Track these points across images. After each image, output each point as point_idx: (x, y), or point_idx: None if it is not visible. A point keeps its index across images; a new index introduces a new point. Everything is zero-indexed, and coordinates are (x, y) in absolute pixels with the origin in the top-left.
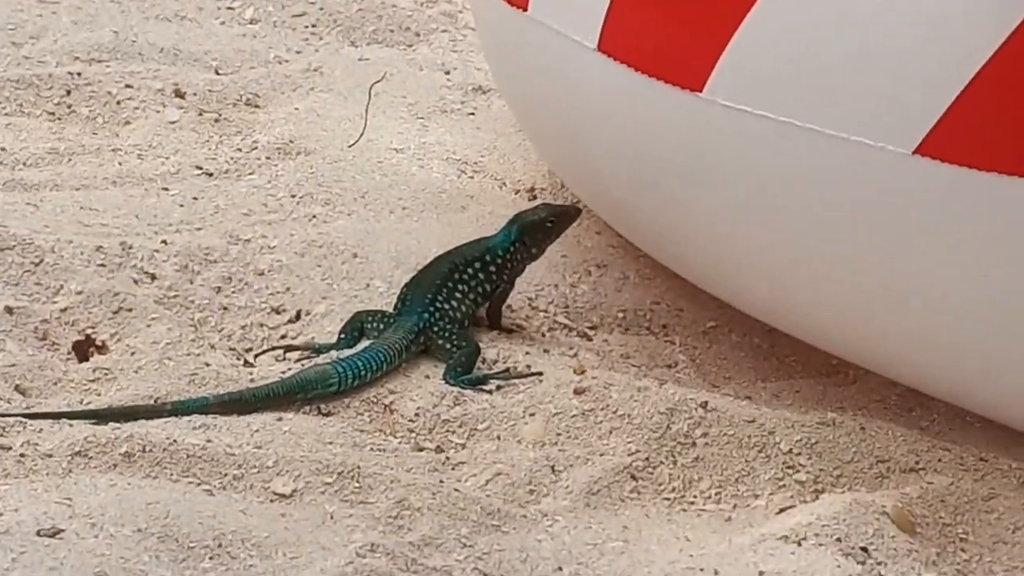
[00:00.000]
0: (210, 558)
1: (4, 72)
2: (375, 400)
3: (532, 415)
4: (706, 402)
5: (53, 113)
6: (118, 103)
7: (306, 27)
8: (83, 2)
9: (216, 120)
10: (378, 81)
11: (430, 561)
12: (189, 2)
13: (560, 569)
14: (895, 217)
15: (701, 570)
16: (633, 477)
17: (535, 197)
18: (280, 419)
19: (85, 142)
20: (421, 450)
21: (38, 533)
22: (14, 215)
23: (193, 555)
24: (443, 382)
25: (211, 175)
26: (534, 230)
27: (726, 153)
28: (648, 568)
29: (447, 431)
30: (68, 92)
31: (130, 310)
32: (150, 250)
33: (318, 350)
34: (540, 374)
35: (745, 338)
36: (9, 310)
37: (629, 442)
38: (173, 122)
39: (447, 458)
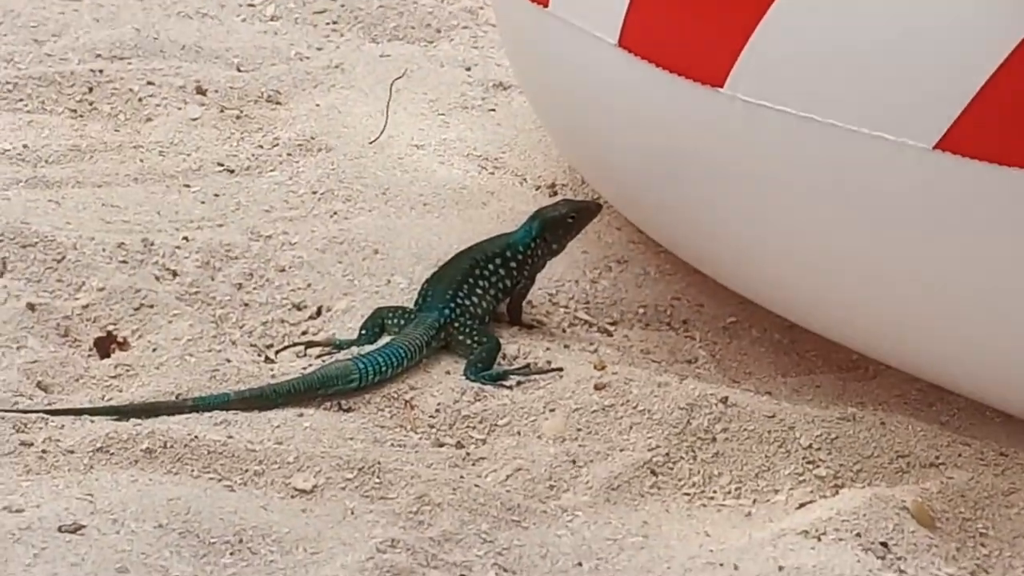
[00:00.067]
0: (231, 554)
1: (26, 70)
2: (395, 396)
3: (552, 410)
4: (726, 397)
5: (75, 110)
6: (140, 100)
7: (327, 24)
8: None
9: (237, 117)
10: (399, 77)
11: (450, 556)
12: None
13: (580, 564)
14: (916, 212)
15: (721, 565)
16: (653, 472)
17: (555, 193)
18: (301, 415)
19: (107, 139)
20: (441, 446)
21: (59, 529)
22: (36, 212)
23: (214, 551)
24: (463, 378)
25: (232, 172)
26: (555, 226)
27: (746, 148)
28: (668, 563)
29: (467, 427)
30: (90, 89)
31: (151, 306)
32: (171, 247)
33: (339, 346)
34: (560, 370)
35: (765, 334)
36: (31, 307)
37: (649, 437)
38: (195, 119)
39: (467, 454)
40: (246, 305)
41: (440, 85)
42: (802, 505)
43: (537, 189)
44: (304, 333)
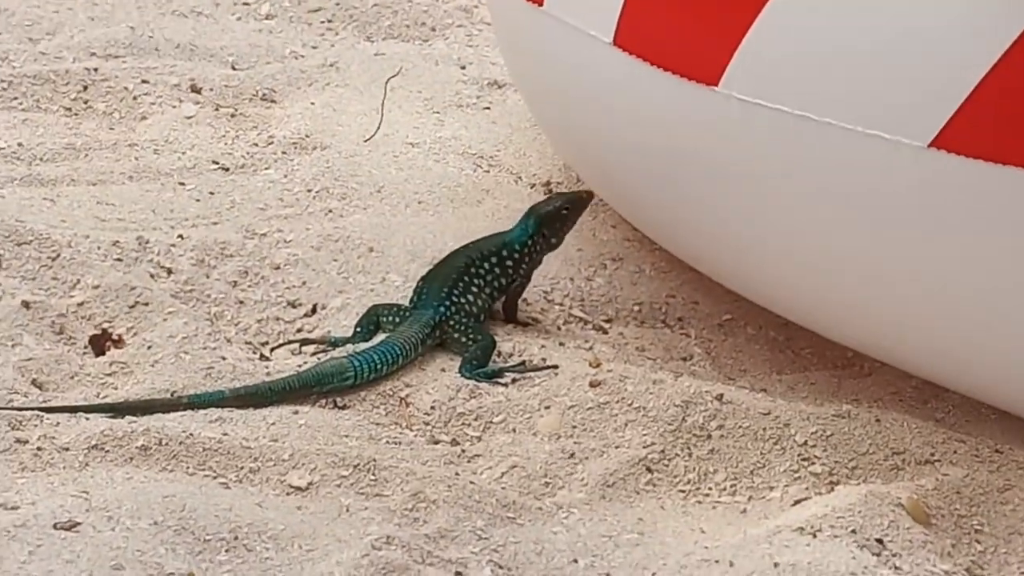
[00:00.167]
0: (226, 551)
1: (21, 68)
2: (391, 393)
3: (547, 408)
4: (721, 395)
5: (70, 109)
6: (134, 98)
7: (322, 22)
8: None
9: (232, 115)
10: (394, 76)
11: (445, 553)
12: None
13: (575, 561)
14: (911, 210)
15: (716, 562)
16: (648, 469)
17: (551, 191)
18: (296, 412)
19: (102, 137)
20: (437, 443)
21: (55, 526)
22: (31, 210)
23: (209, 548)
24: (459, 375)
25: (227, 170)
26: (551, 220)
27: (742, 147)
28: (663, 560)
29: (463, 424)
30: (85, 88)
31: (146, 304)
32: (166, 244)
33: (334, 344)
34: (555, 367)
35: (760, 331)
36: (26, 304)
37: (644, 434)
38: (189, 117)
39: (463, 451)
40: (241, 303)
41: (435, 83)
42: (797, 502)
43: (532, 187)
44: (299, 331)
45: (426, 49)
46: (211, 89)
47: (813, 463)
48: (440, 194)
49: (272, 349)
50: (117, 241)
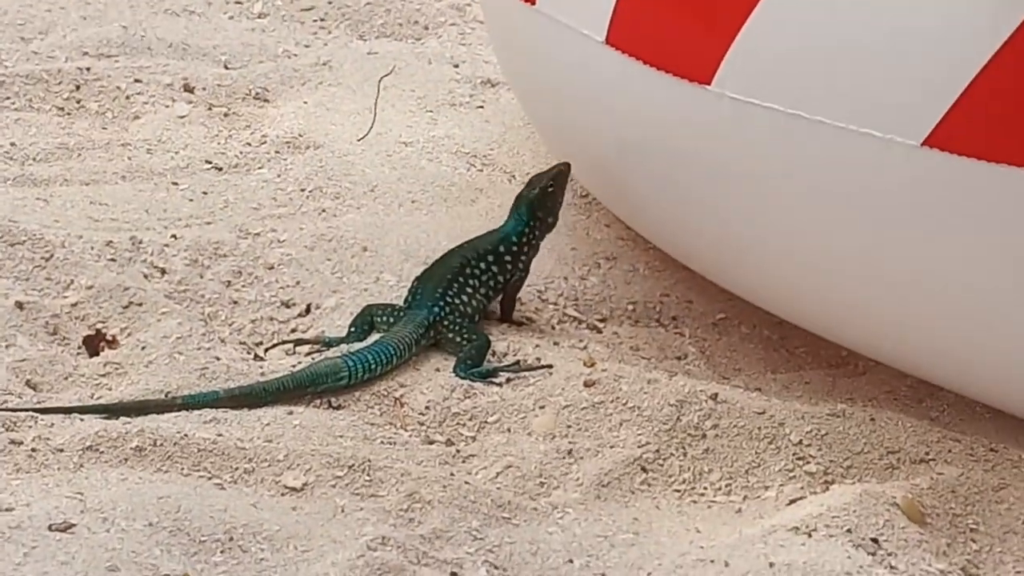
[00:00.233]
0: (221, 552)
1: (13, 68)
2: (385, 393)
3: (542, 408)
4: (716, 394)
5: (62, 108)
6: (127, 98)
7: (315, 21)
8: None
9: (225, 114)
10: (387, 75)
11: (441, 554)
12: None
13: (571, 561)
14: (904, 209)
15: (712, 561)
16: (643, 469)
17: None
18: (291, 413)
19: (94, 137)
20: (431, 443)
21: (50, 527)
22: (24, 210)
23: (204, 549)
24: (453, 375)
25: (220, 169)
26: (543, 201)
27: (734, 145)
28: (658, 560)
29: (457, 424)
30: (77, 87)
31: (140, 304)
32: (160, 244)
33: (328, 344)
34: (550, 367)
35: (755, 330)
36: (20, 305)
37: (639, 434)
38: (182, 117)
39: (457, 451)
40: (235, 303)
41: (428, 82)
42: (792, 501)
43: None
44: (293, 331)
45: (419, 48)
46: (204, 88)
47: (808, 462)
48: (434, 193)
49: (266, 349)
50: (111, 241)
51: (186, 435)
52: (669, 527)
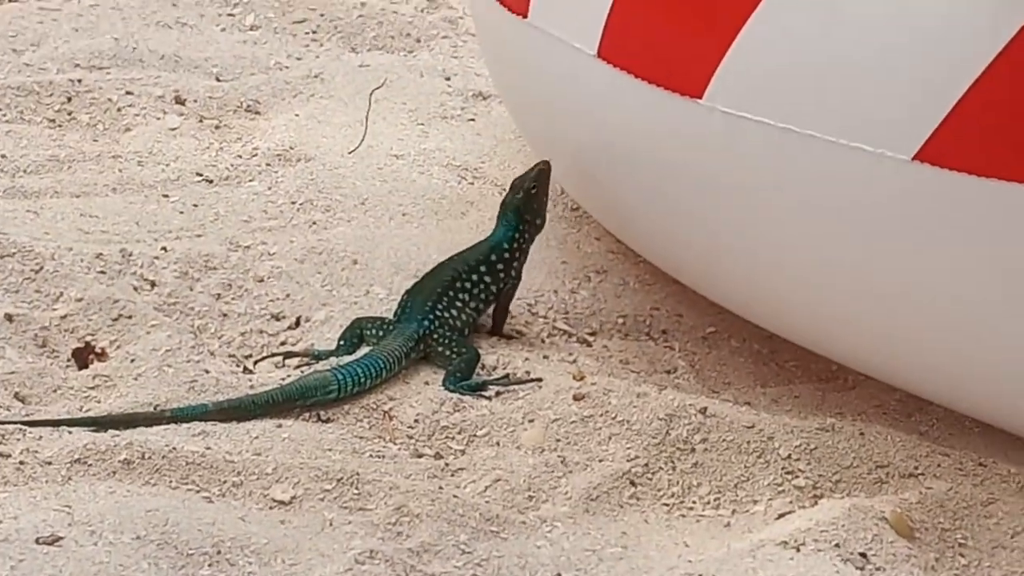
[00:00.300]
0: (209, 565)
1: (5, 79)
2: (374, 407)
3: (531, 421)
4: (705, 408)
5: (53, 120)
6: (118, 110)
7: (307, 33)
8: (84, 9)
9: (216, 127)
10: (378, 87)
11: (429, 568)
12: (190, 9)
13: (559, 575)
14: (895, 224)
15: None
16: (632, 483)
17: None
18: (280, 426)
19: (85, 149)
20: (420, 456)
21: (37, 540)
22: (14, 222)
23: (192, 562)
24: (443, 388)
25: (211, 182)
26: (528, 203)
27: (725, 159)
28: (647, 574)
29: (446, 437)
30: (69, 99)
31: (130, 317)
32: (150, 257)
33: (318, 357)
34: (539, 380)
35: (744, 344)
36: (9, 317)
37: (628, 448)
38: (173, 129)
39: (446, 464)
40: (224, 316)
41: (419, 95)
42: (781, 515)
43: None
44: (283, 344)
45: (411, 60)
46: (195, 100)
47: (797, 476)
48: (424, 206)
49: (255, 362)
50: (100, 254)
51: (174, 448)
52: (658, 541)
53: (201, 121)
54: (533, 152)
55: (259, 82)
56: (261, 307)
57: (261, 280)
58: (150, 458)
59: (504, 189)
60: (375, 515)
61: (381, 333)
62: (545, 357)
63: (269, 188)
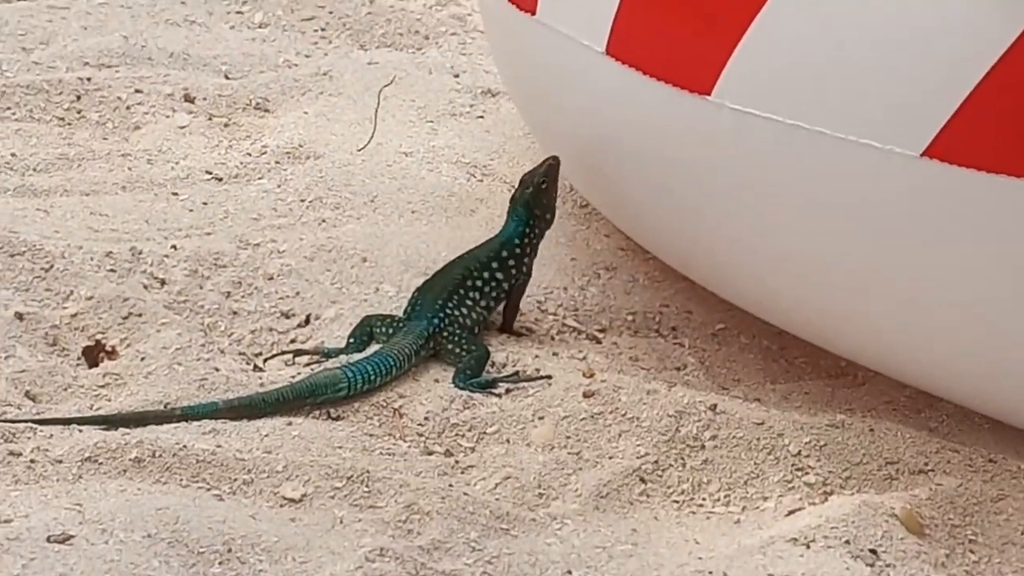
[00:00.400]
0: (220, 563)
1: (14, 78)
2: (384, 404)
3: (541, 418)
4: (715, 404)
5: (63, 118)
6: (128, 108)
7: (315, 31)
8: (93, 7)
9: (226, 125)
10: (387, 85)
11: (439, 565)
12: (199, 7)
13: (569, 572)
14: (904, 219)
15: (710, 573)
16: (642, 480)
17: None
18: (290, 424)
19: (95, 147)
20: (430, 454)
21: (48, 539)
22: (24, 221)
23: (203, 560)
24: (452, 386)
25: (221, 180)
26: (538, 198)
27: (734, 156)
28: (657, 571)
29: (456, 435)
30: (78, 97)
31: (140, 315)
32: (160, 255)
33: (327, 354)
34: (549, 377)
35: (754, 340)
36: (19, 316)
37: (638, 445)
38: (183, 127)
39: (456, 462)
40: (235, 313)
41: (428, 92)
42: (791, 512)
43: None
44: (292, 341)
45: (419, 58)
46: (204, 98)
47: (807, 473)
48: (434, 203)
49: (265, 360)
50: (110, 252)
51: (185, 446)
52: (668, 538)
53: (210, 119)
54: (542, 149)
55: (268, 80)
56: (271, 305)
57: (271, 278)
58: (160, 456)
59: (513, 186)
60: (385, 513)
61: (391, 331)
62: (555, 354)
63: (278, 186)
